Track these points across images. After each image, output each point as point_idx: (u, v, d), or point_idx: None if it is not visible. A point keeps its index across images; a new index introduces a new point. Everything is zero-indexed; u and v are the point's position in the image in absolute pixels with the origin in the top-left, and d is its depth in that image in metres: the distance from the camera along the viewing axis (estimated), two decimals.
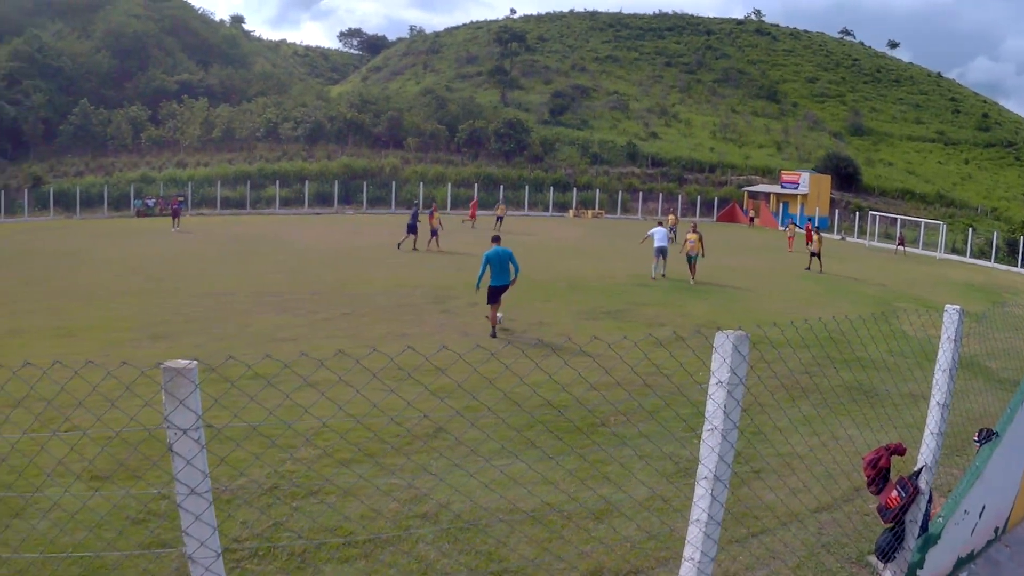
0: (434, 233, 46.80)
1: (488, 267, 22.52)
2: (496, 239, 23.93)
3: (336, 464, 11.63)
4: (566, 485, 10.48)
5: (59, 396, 10.22)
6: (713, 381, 5.67)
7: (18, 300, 28.11)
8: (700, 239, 35.71)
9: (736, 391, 5.63)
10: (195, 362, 4.52)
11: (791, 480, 10.89)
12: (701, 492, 5.84)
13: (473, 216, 70.01)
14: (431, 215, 47.44)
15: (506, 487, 10.23)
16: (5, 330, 22.40)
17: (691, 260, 35.58)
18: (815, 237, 45.65)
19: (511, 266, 22.70)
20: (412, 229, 46.53)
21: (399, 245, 46.46)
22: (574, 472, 10.94)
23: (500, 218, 65.37)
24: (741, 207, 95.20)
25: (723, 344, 5.62)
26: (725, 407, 5.62)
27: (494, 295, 22.51)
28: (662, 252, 36.69)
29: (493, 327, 22.55)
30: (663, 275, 36.55)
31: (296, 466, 11.58)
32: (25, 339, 21.14)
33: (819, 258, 44.81)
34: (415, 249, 45.75)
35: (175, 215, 66.88)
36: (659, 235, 37.18)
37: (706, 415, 5.73)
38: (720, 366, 5.63)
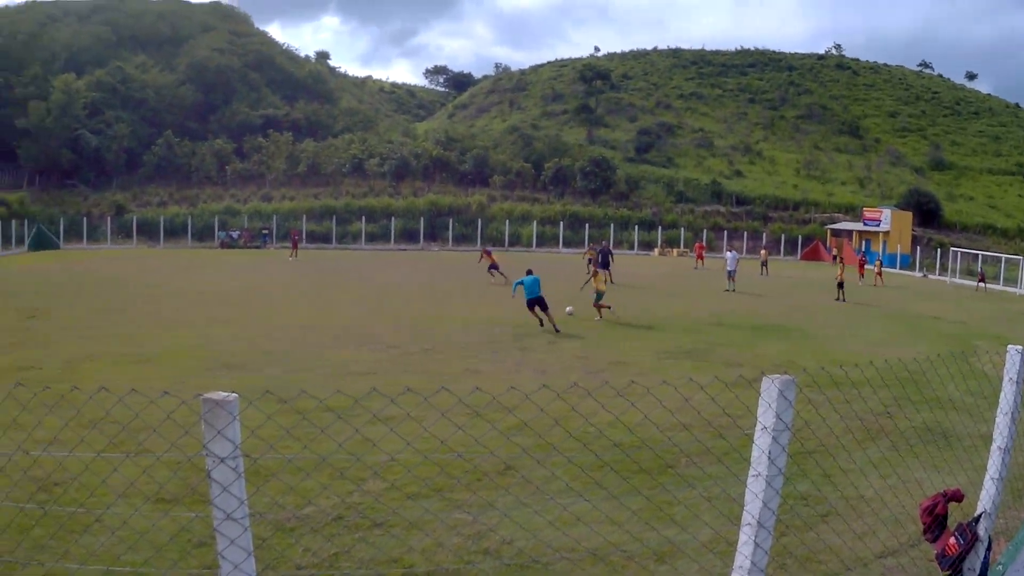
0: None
1: (521, 287, 31.49)
2: (529, 271, 32.34)
3: (403, 497, 11.68)
4: (631, 525, 10.30)
5: (131, 422, 10.48)
6: (758, 427, 5.61)
7: (97, 326, 28.93)
8: (601, 277, 34.27)
9: (782, 437, 5.56)
10: (235, 394, 4.63)
11: (858, 524, 10.79)
12: (744, 539, 5.79)
13: (700, 258, 72.84)
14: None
15: (570, 525, 10.23)
16: (83, 355, 23.05)
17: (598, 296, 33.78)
18: (840, 268, 47.45)
19: (537, 287, 31.09)
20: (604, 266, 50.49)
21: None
22: (639, 513, 10.77)
23: (764, 264, 66.96)
24: (824, 245, 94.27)
25: (769, 389, 5.54)
26: (770, 453, 5.56)
27: (531, 305, 30.96)
28: (731, 274, 49.15)
29: (540, 321, 30.87)
30: (734, 290, 47.95)
31: (364, 498, 11.72)
32: (100, 364, 21.77)
33: (842, 288, 45.87)
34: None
35: (294, 245, 72.18)
36: (730, 259, 50.29)
37: (751, 461, 5.68)
38: (765, 411, 5.56)
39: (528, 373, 21.82)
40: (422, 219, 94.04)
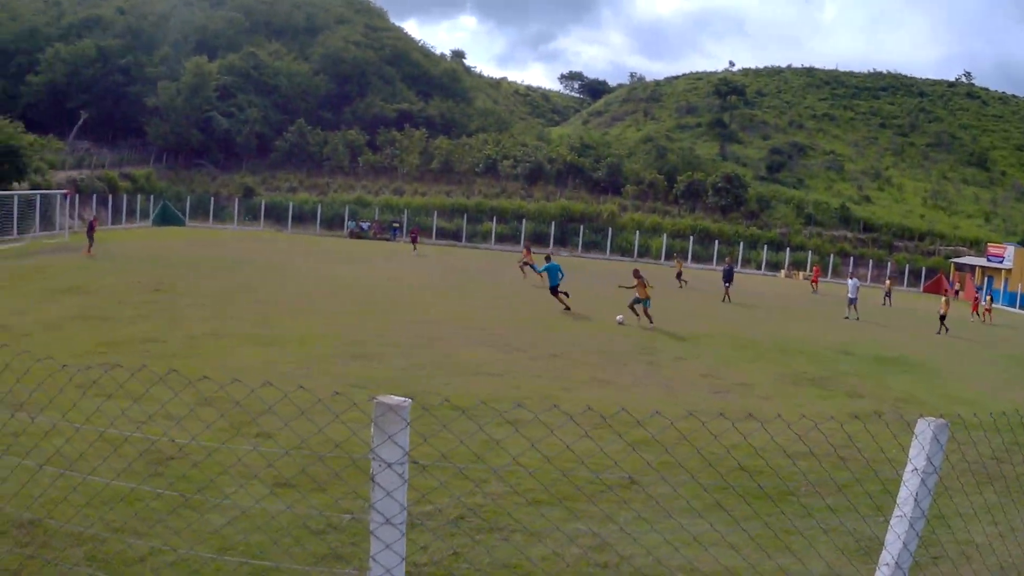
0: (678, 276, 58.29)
1: (547, 273, 38.56)
2: (548, 257, 42.96)
3: (524, 503, 11.70)
4: (748, 551, 10.16)
5: (251, 404, 10.90)
6: (909, 468, 5.83)
7: (222, 303, 29.80)
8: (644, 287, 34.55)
9: (930, 480, 5.78)
10: (409, 400, 4.78)
11: (965, 570, 10.72)
12: None
13: (815, 282, 72.40)
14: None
15: (689, 546, 10.06)
16: (208, 331, 23.79)
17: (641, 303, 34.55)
18: (944, 301, 47.59)
19: (559, 273, 37.95)
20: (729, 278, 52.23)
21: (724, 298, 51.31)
22: (757, 539, 10.57)
23: (887, 294, 66.23)
24: (947, 279, 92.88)
25: (924, 432, 5.75)
26: (917, 495, 5.78)
27: (554, 291, 37.43)
28: (852, 302, 48.53)
29: (563, 304, 36.90)
30: (856, 319, 47.54)
31: (484, 500, 11.82)
32: (225, 342, 22.45)
33: (944, 321, 45.85)
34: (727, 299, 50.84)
35: (413, 241, 72.87)
36: (851, 286, 49.39)
37: (897, 501, 5.88)
38: (918, 454, 5.77)
39: (654, 387, 21.96)
40: (553, 223, 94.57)
